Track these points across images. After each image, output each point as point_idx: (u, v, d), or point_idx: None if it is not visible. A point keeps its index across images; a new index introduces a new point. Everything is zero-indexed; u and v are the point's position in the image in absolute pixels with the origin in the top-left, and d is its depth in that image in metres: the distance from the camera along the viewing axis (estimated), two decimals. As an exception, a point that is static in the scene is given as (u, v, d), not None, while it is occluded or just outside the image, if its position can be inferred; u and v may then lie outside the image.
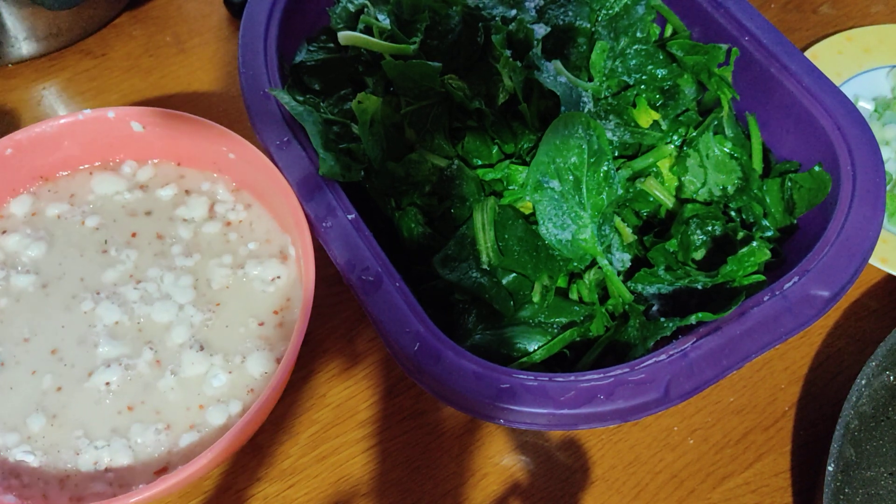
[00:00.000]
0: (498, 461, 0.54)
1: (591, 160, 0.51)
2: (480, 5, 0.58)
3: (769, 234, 0.56)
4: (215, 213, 0.57)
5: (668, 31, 0.62)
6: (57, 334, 0.51)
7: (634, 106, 0.57)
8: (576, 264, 0.52)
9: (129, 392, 0.49)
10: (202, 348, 0.51)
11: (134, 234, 0.55)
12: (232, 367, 0.51)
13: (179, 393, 0.50)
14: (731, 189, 0.56)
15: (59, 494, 0.46)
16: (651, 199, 0.56)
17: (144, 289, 0.53)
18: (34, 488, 0.46)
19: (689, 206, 0.55)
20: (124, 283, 0.53)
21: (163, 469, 0.47)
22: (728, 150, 0.57)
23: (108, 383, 0.49)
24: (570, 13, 0.57)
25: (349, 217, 0.50)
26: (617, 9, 0.57)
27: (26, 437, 0.48)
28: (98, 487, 0.47)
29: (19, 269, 0.54)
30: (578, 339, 0.52)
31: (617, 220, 0.54)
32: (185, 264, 0.54)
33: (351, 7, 0.61)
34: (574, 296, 0.53)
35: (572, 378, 0.44)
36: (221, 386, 0.50)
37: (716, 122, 0.57)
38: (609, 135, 0.54)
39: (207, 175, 0.58)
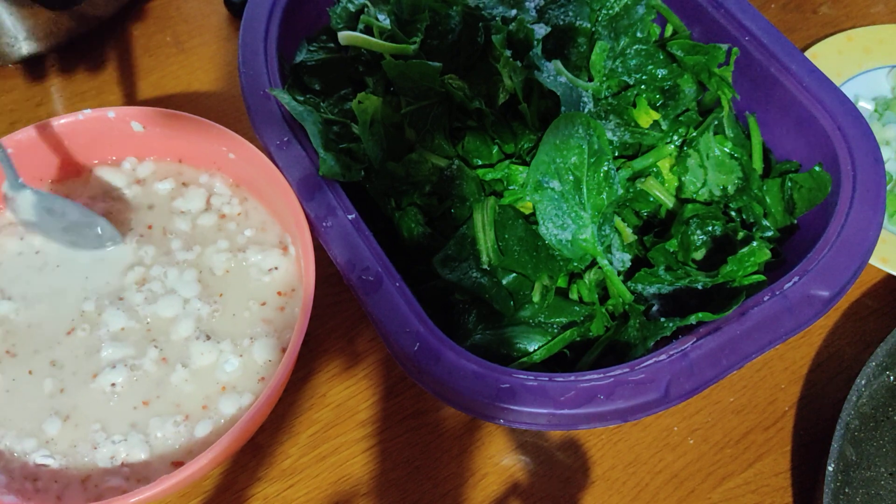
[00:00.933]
0: (498, 461, 0.54)
1: (592, 160, 0.51)
2: (480, 5, 0.58)
3: (769, 234, 0.56)
4: (211, 205, 0.57)
5: (668, 31, 0.62)
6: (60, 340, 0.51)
7: (634, 106, 0.57)
8: (576, 264, 0.52)
9: (138, 391, 0.49)
10: (209, 338, 0.51)
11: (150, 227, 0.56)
12: (241, 350, 0.51)
13: (194, 384, 0.50)
14: (731, 189, 0.56)
15: (77, 495, 0.46)
16: (651, 199, 0.56)
17: (149, 289, 0.53)
18: (49, 492, 0.46)
19: (690, 206, 0.55)
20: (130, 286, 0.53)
21: (180, 462, 0.47)
22: (728, 150, 0.57)
23: (113, 384, 0.49)
24: (570, 13, 0.57)
25: (349, 217, 0.50)
26: (617, 9, 0.57)
27: (44, 441, 0.48)
28: (114, 482, 0.47)
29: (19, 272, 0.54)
30: (578, 339, 0.52)
31: (617, 220, 0.54)
32: (186, 258, 0.54)
33: (351, 7, 0.61)
34: (574, 296, 0.53)
35: (572, 378, 0.44)
36: (234, 370, 0.50)
37: (716, 122, 0.57)
38: (609, 135, 0.54)
39: (206, 171, 0.58)
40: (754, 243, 0.51)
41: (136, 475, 0.47)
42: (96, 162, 0.58)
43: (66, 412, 0.49)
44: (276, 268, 0.54)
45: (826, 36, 0.73)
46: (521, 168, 0.53)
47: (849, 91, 0.70)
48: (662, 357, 0.45)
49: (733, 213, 0.56)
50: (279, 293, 0.53)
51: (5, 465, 0.47)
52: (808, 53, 0.70)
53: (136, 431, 0.48)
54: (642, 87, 0.57)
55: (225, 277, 0.54)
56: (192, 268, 0.54)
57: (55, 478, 0.47)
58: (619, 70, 0.57)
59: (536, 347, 0.50)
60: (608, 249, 0.53)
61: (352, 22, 0.60)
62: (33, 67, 0.71)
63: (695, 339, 0.46)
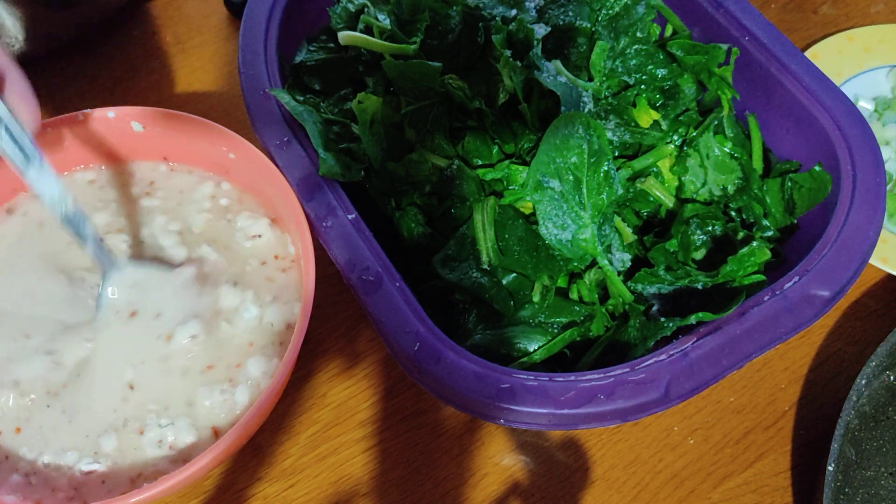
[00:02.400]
0: (498, 461, 0.54)
1: (592, 160, 0.51)
2: (480, 5, 0.58)
3: (769, 234, 0.56)
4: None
5: (668, 31, 0.62)
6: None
7: (634, 106, 0.57)
8: (576, 264, 0.52)
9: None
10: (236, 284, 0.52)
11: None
12: (262, 303, 0.52)
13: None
14: (731, 189, 0.56)
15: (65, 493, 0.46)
16: (651, 199, 0.56)
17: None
18: (39, 489, 0.46)
19: (690, 206, 0.55)
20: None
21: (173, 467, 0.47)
22: (728, 150, 0.57)
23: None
24: (570, 13, 0.57)
25: (349, 217, 0.50)
26: (617, 9, 0.57)
27: (92, 452, 0.48)
28: (162, 466, 0.47)
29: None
30: (578, 339, 0.52)
31: (617, 220, 0.54)
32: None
33: (351, 7, 0.61)
34: (574, 296, 0.53)
35: (572, 378, 0.44)
36: (252, 319, 0.51)
37: (716, 122, 0.57)
38: (609, 135, 0.54)
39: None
40: (754, 243, 0.51)
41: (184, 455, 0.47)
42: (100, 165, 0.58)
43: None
44: (259, 235, 0.55)
45: (826, 36, 0.73)
46: (521, 168, 0.53)
47: (849, 91, 0.70)
48: (662, 357, 0.45)
49: (733, 213, 0.56)
50: (276, 257, 0.54)
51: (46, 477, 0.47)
52: (808, 53, 0.70)
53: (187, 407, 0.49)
54: (642, 86, 0.57)
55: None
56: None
57: (102, 479, 0.47)
58: (619, 70, 0.57)
59: (536, 347, 0.50)
60: (608, 249, 0.53)
61: (352, 22, 0.60)
62: (33, 67, 0.70)
63: (695, 339, 0.46)
